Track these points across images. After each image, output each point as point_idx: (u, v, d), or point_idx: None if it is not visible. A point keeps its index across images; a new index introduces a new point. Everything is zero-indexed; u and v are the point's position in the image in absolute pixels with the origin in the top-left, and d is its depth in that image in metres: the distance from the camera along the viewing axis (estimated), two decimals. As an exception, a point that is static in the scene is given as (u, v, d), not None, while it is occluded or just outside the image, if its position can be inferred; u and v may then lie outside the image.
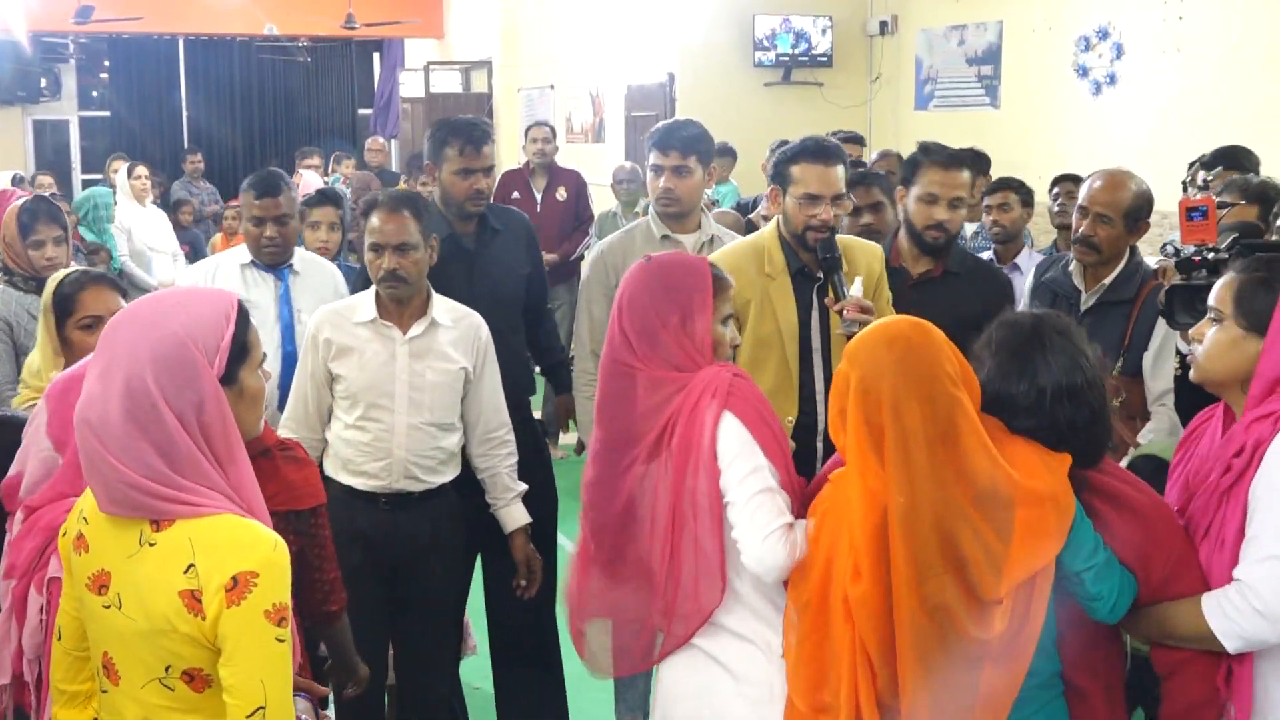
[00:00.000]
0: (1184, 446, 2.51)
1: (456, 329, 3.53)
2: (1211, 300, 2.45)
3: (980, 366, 2.37)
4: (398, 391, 3.44)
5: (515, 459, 3.66)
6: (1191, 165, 4.56)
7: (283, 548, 1.96)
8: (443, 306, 3.54)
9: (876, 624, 2.22)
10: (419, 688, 3.68)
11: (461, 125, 3.84)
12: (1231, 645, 2.24)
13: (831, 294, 3.21)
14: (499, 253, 3.89)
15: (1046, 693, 2.33)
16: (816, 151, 3.34)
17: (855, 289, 3.15)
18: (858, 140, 7.57)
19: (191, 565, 1.91)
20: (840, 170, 3.34)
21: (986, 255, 5.63)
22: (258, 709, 1.91)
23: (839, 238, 3.38)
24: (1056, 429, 2.29)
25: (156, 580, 1.93)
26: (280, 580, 1.94)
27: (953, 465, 2.20)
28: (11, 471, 2.41)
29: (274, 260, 4.05)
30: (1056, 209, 5.61)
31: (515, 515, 3.65)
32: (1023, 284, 4.84)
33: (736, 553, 2.42)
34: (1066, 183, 5.61)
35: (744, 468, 2.41)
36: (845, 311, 3.10)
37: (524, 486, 3.66)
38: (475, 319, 3.59)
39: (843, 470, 2.37)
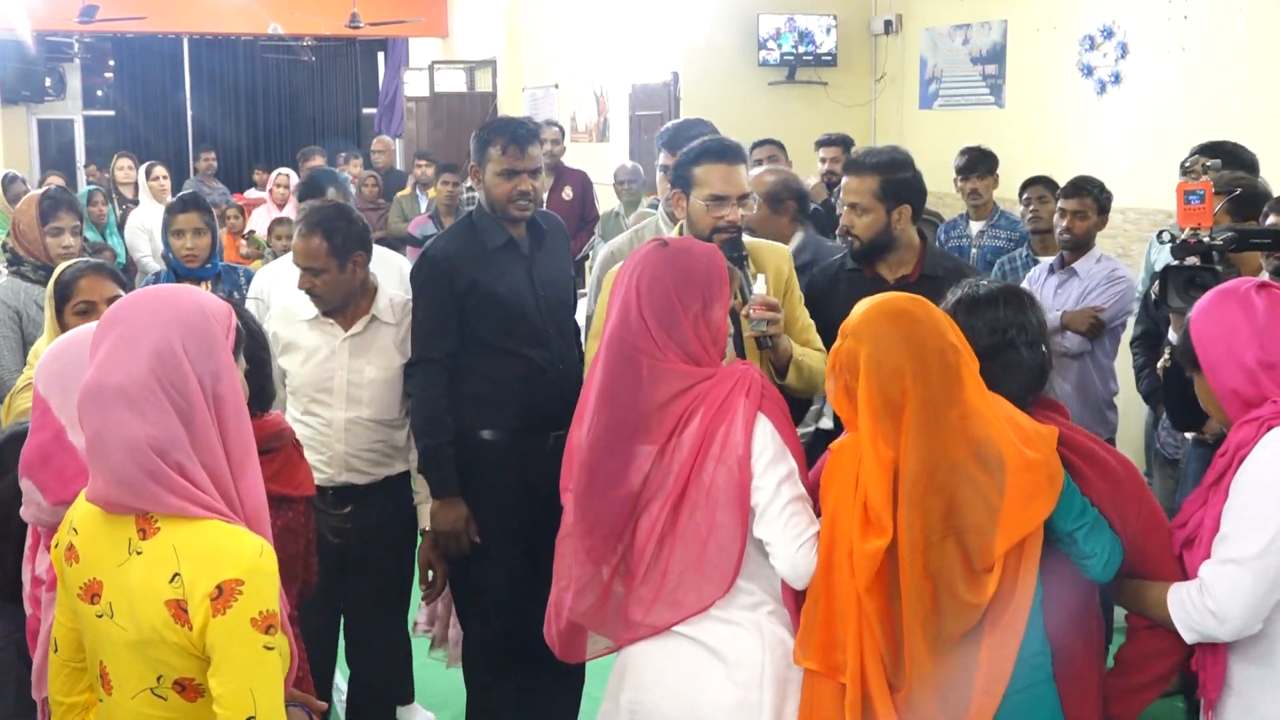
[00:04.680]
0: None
1: (401, 326, 3.58)
2: None
3: None
4: (336, 387, 3.51)
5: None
6: (1189, 157, 4.58)
7: (269, 554, 1.95)
8: (387, 303, 3.58)
9: (883, 583, 2.28)
10: (367, 676, 3.78)
11: (506, 123, 3.72)
12: (1187, 637, 2.35)
13: (739, 296, 3.15)
14: (550, 253, 3.80)
15: (1034, 673, 2.37)
16: (719, 152, 3.31)
17: (759, 287, 3.11)
18: (845, 143, 7.55)
19: (176, 574, 1.90)
20: (743, 170, 3.32)
21: (999, 257, 5.63)
22: (248, 719, 1.89)
23: (745, 239, 3.35)
24: (1011, 344, 2.46)
25: (144, 590, 1.92)
26: (267, 587, 1.93)
27: (962, 428, 2.30)
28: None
29: None
30: (1030, 214, 5.55)
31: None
32: (1075, 289, 4.80)
33: (750, 554, 2.43)
34: (1038, 186, 5.51)
35: (779, 473, 2.42)
36: (752, 310, 3.07)
37: None
38: None
39: (843, 439, 2.44)
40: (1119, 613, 2.72)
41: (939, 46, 9.69)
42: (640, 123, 10.75)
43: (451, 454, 3.58)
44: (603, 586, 2.55)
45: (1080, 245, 4.86)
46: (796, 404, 3.27)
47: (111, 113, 17.40)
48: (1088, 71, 8.22)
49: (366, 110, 17.95)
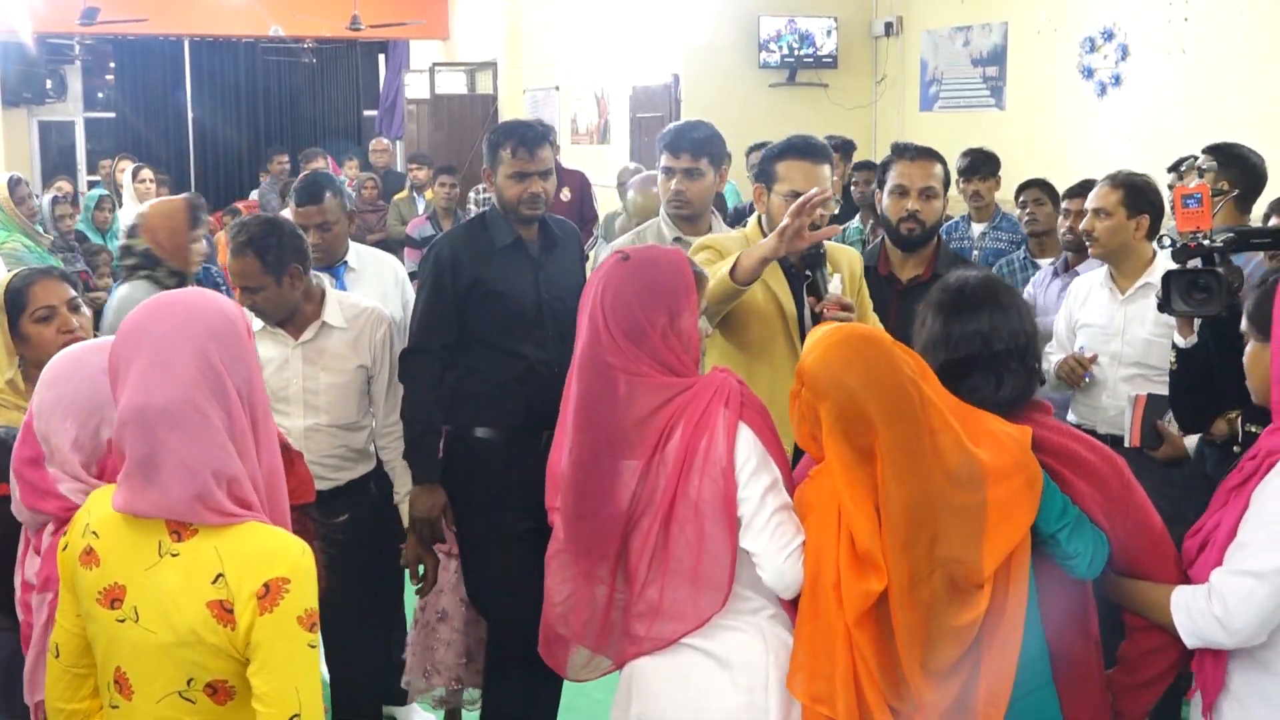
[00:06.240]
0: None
1: (352, 328, 3.60)
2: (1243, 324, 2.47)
3: (924, 323, 2.50)
4: (292, 396, 3.53)
5: None
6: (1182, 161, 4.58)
7: (309, 553, 1.96)
8: (336, 307, 3.60)
9: (873, 616, 2.26)
10: (348, 680, 3.77)
11: (516, 126, 3.73)
12: (1189, 642, 2.32)
13: (815, 293, 3.17)
14: (560, 260, 3.78)
15: (1035, 678, 2.36)
16: (803, 149, 3.34)
17: (834, 285, 3.12)
18: (845, 147, 7.53)
19: (220, 575, 1.90)
20: (826, 169, 3.34)
21: (1011, 256, 5.62)
22: (293, 716, 1.89)
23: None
24: (994, 353, 2.40)
25: (182, 592, 1.90)
26: (310, 585, 1.94)
27: (935, 454, 2.26)
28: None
29: (323, 263, 4.09)
30: (1026, 217, 5.54)
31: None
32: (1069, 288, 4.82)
33: (746, 561, 2.43)
34: (1034, 189, 5.51)
35: (763, 482, 2.41)
36: (827, 310, 3.08)
37: None
38: (374, 315, 3.66)
39: (823, 465, 2.41)
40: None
41: (939, 48, 9.70)
42: (641, 124, 10.77)
43: (436, 442, 3.61)
44: (601, 606, 2.53)
45: (1084, 246, 4.87)
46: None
47: (112, 115, 17.37)
48: (1088, 73, 8.23)
49: (367, 112, 17.94)
